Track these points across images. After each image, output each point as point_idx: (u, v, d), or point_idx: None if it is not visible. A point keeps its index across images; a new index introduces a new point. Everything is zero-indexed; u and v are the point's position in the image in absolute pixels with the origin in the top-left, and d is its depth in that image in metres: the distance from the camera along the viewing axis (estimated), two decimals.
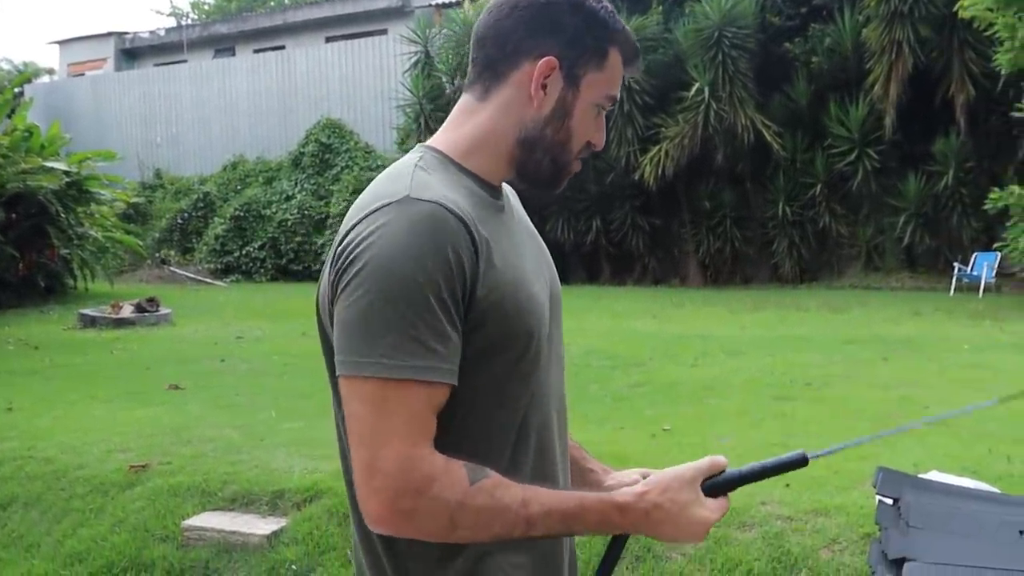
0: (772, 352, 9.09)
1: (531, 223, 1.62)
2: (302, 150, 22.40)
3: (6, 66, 38.80)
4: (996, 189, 13.81)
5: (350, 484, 1.40)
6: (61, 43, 32.04)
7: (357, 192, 17.65)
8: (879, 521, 3.53)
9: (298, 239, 21.27)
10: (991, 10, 12.97)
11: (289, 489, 4.80)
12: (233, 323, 12.83)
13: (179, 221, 22.81)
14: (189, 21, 37.69)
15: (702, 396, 7.18)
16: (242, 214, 21.84)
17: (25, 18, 73.47)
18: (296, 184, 22.07)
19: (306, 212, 21.42)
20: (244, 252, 21.55)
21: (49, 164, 15.85)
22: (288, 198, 21.92)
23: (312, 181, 21.92)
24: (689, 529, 1.41)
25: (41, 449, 5.69)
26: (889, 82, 15.80)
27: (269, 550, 4.37)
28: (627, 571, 3.84)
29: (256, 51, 26.97)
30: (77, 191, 16.36)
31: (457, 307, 1.30)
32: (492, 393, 1.38)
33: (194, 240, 22.51)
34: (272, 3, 36.40)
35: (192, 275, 20.93)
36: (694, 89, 16.65)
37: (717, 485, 1.44)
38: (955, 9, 13.79)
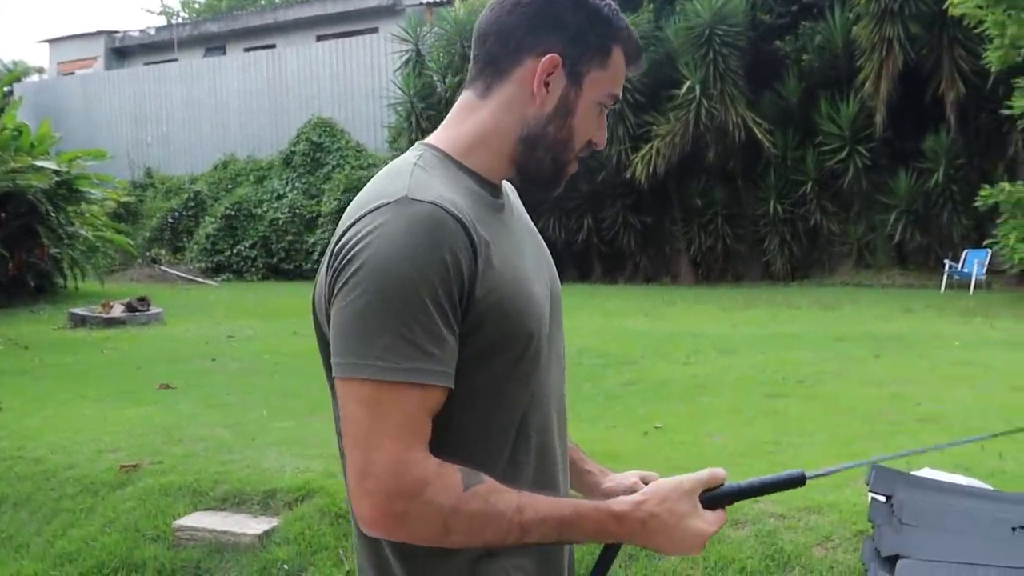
0: (764, 350, 9.10)
1: (531, 221, 1.61)
2: (293, 149, 22.35)
3: None
4: (986, 186, 13.86)
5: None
6: (51, 42, 31.95)
7: (348, 191, 17.75)
8: (872, 518, 3.54)
9: (289, 238, 21.23)
10: (981, 7, 13.01)
11: (281, 488, 4.78)
12: (224, 322, 12.80)
13: (170, 220, 22.75)
14: (179, 20, 37.61)
15: (694, 394, 7.18)
16: (233, 213, 21.80)
17: (15, 17, 73.27)
18: (287, 183, 22.02)
19: (297, 211, 21.38)
20: (235, 251, 21.51)
21: (39, 163, 15.78)
22: (279, 197, 21.88)
23: (303, 180, 21.88)
24: (685, 541, 1.39)
25: (31, 449, 5.66)
26: (879, 79, 15.83)
27: (261, 550, 4.35)
28: (620, 569, 3.83)
29: (247, 50, 26.91)
30: (67, 190, 16.30)
31: (454, 309, 1.29)
32: (491, 393, 1.37)
33: (185, 239, 22.46)
34: (263, 2, 36.34)
35: (183, 274, 20.88)
36: (685, 87, 16.67)
37: (715, 498, 1.43)
38: (945, 6, 13.82)
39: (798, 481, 1.48)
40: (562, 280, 1.61)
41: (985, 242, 14.87)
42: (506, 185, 1.53)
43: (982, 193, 13.76)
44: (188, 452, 5.49)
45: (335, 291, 1.30)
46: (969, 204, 14.99)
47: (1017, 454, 4.83)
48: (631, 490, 1.64)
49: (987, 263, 14.98)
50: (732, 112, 16.55)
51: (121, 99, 25.99)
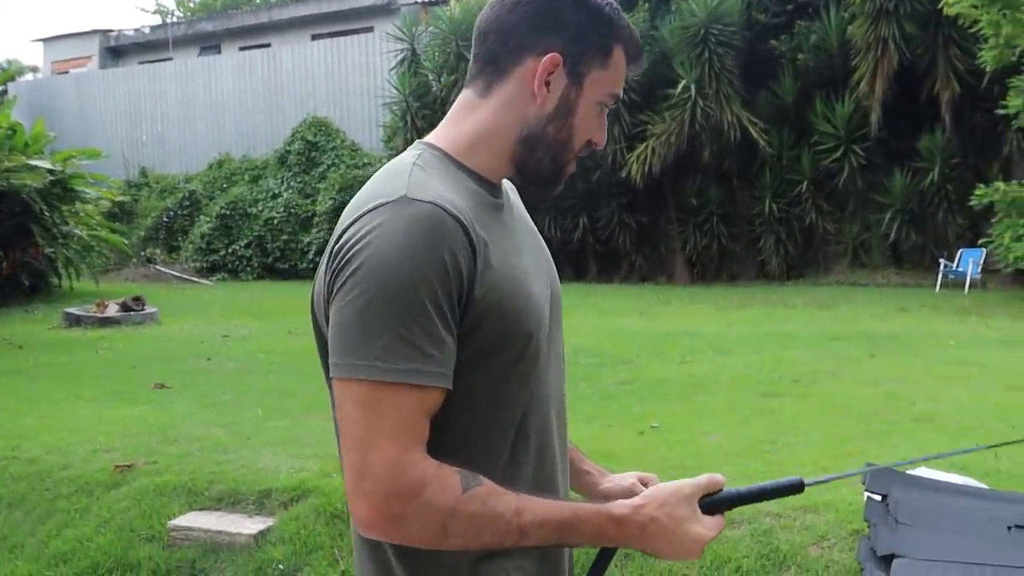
0: (759, 349, 9.10)
1: (531, 220, 1.60)
2: (288, 148, 22.33)
3: None
4: (981, 185, 13.88)
5: None
6: (45, 41, 31.88)
7: (344, 190, 17.73)
8: (868, 518, 3.54)
9: (284, 237, 21.20)
10: (976, 7, 13.02)
11: (276, 488, 4.77)
12: (219, 322, 12.78)
13: (165, 219, 22.71)
14: (174, 19, 37.58)
15: (690, 393, 7.18)
16: (228, 212, 21.76)
17: (9, 16, 73.12)
18: (282, 182, 22.00)
19: (292, 210, 21.36)
20: (230, 250, 21.48)
21: (33, 162, 15.73)
22: (274, 196, 21.85)
23: (298, 179, 21.85)
24: (684, 546, 1.38)
25: (25, 449, 5.65)
26: (875, 79, 15.84)
27: (256, 550, 4.35)
28: (616, 569, 3.83)
29: (242, 49, 26.88)
30: (62, 189, 16.25)
31: (453, 310, 1.28)
32: (490, 393, 1.36)
33: (180, 239, 22.42)
34: (258, 1, 36.26)
35: (178, 274, 20.84)
36: (680, 86, 16.67)
37: (715, 503, 1.42)
38: (940, 6, 13.84)
39: (796, 488, 1.48)
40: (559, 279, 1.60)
41: (980, 241, 14.90)
42: (506, 184, 1.53)
43: (977, 192, 13.78)
44: (183, 452, 5.48)
45: (334, 291, 1.29)
46: (964, 203, 15.02)
47: (1012, 454, 4.83)
48: (629, 491, 1.63)
49: (982, 262, 15.00)
50: (727, 111, 16.55)
51: (116, 98, 25.95)
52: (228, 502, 4.75)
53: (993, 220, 14.03)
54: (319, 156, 21.92)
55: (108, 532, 4.60)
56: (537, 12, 1.41)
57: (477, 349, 1.32)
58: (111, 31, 30.49)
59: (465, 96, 1.47)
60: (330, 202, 20.42)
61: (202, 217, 22.16)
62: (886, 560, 3.13)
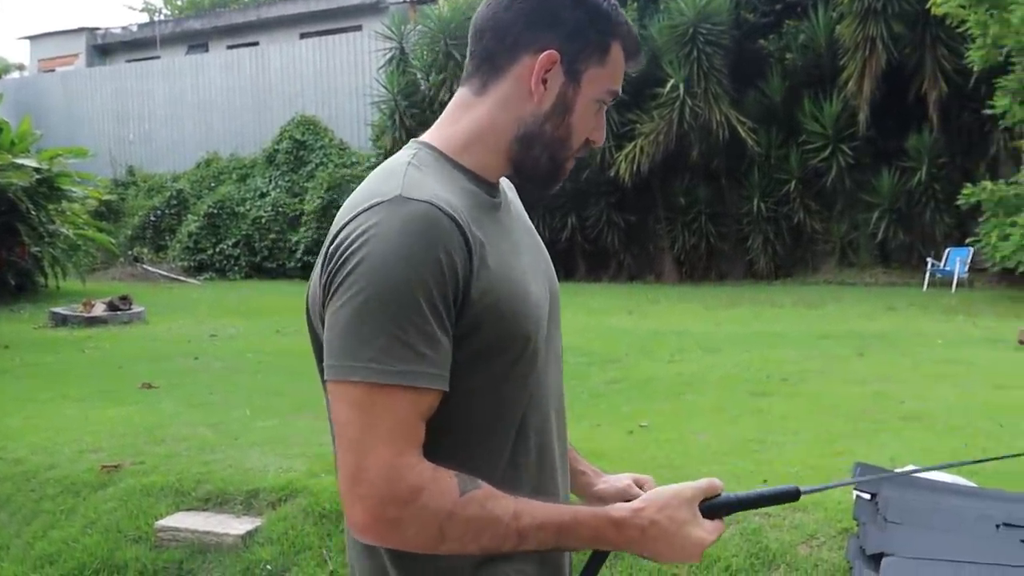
0: (748, 348, 9.11)
1: (529, 219, 1.59)
2: (276, 147, 22.26)
3: None
4: (969, 185, 13.94)
5: None
6: (31, 39, 31.73)
7: (332, 189, 17.66)
8: (857, 516, 3.54)
9: (272, 236, 21.14)
10: (963, 7, 13.08)
11: (264, 488, 4.75)
12: (207, 321, 12.74)
13: (152, 218, 22.63)
14: (162, 17, 37.42)
15: (679, 392, 7.18)
16: (216, 211, 21.69)
17: None
18: (270, 181, 21.94)
19: (280, 209, 21.30)
20: (218, 250, 21.41)
21: (19, 161, 15.66)
22: (262, 195, 21.79)
23: (286, 178, 21.80)
24: (685, 549, 1.37)
25: (11, 449, 5.62)
26: (863, 78, 15.88)
27: (243, 550, 4.33)
28: (605, 569, 3.82)
29: (230, 47, 26.80)
30: (48, 188, 16.17)
31: (448, 310, 1.27)
32: (490, 395, 1.35)
33: (167, 238, 22.34)
34: None
35: (165, 273, 20.76)
36: (669, 85, 16.68)
37: (715, 507, 1.41)
38: (928, 6, 13.89)
39: (792, 496, 1.48)
40: None
41: (967, 240, 14.95)
42: (504, 183, 1.51)
43: (964, 192, 13.84)
44: (170, 452, 5.46)
45: (330, 293, 1.28)
46: (951, 203, 15.08)
47: (1002, 451, 4.84)
48: (624, 492, 1.63)
49: (969, 261, 15.06)
50: (716, 111, 16.57)
51: (103, 96, 25.83)
52: (216, 502, 4.73)
53: (980, 219, 14.10)
54: (307, 155, 21.87)
55: (94, 533, 4.57)
56: (534, 9, 1.40)
57: (475, 351, 1.31)
58: (98, 29, 30.37)
59: (461, 94, 1.46)
60: (318, 201, 20.38)
61: (189, 216, 22.09)
62: (875, 559, 3.13)
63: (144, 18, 39.48)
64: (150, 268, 21.09)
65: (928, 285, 15.18)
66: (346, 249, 1.27)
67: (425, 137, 1.45)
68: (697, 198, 17.67)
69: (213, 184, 22.91)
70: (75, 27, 30.48)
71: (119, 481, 5.00)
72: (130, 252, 21.94)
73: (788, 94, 17.03)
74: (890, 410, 6.17)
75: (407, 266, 1.23)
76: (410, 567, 1.33)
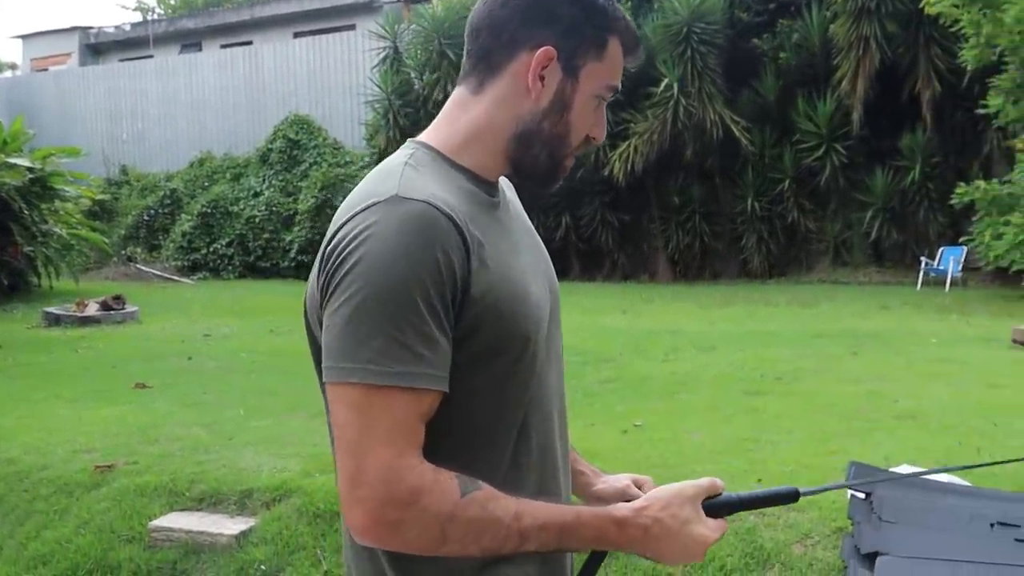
0: (742, 347, 9.11)
1: (528, 219, 1.58)
2: (270, 146, 22.24)
3: None
4: (962, 184, 13.96)
5: None
6: (24, 38, 31.67)
7: (326, 188, 17.65)
8: (852, 515, 3.54)
9: (266, 236, 21.12)
10: (957, 6, 13.09)
11: (258, 488, 4.74)
12: (200, 321, 12.72)
13: (145, 218, 22.60)
14: (155, 16, 37.36)
15: (673, 391, 7.18)
16: (209, 211, 21.67)
17: None
18: (264, 180, 21.92)
19: (274, 209, 21.28)
20: (211, 249, 21.39)
21: (12, 160, 15.62)
22: (256, 195, 21.77)
23: (280, 177, 21.77)
24: (689, 548, 1.37)
25: (4, 450, 5.59)
26: (856, 78, 15.91)
27: (238, 550, 4.32)
28: (600, 569, 3.81)
29: (223, 46, 26.77)
30: (41, 188, 16.13)
31: (447, 311, 1.25)
32: (491, 395, 1.34)
33: (161, 237, 22.31)
34: None
35: (159, 272, 20.74)
36: (663, 85, 16.69)
37: (717, 506, 1.41)
38: (921, 5, 13.89)
39: (792, 497, 1.47)
40: None
41: (961, 239, 14.98)
42: (503, 182, 1.50)
43: (958, 191, 13.86)
44: (164, 452, 5.44)
45: (327, 294, 1.27)
46: (945, 202, 15.09)
47: (995, 451, 4.85)
48: (623, 493, 1.62)
49: (963, 260, 15.09)
50: (710, 110, 16.59)
51: (96, 96, 25.78)
52: (209, 502, 4.72)
53: (974, 218, 14.13)
54: (301, 154, 21.85)
55: (88, 533, 4.55)
56: (530, 6, 1.39)
57: (475, 352, 1.30)
58: (91, 28, 30.32)
59: (458, 93, 1.45)
60: (312, 200, 20.37)
61: (183, 215, 22.06)
62: (870, 558, 3.13)
63: (137, 17, 39.48)
64: (143, 268, 21.06)
65: (922, 284, 15.21)
66: (343, 250, 1.26)
67: (422, 137, 1.44)
68: (691, 197, 17.69)
69: (207, 183, 22.88)
70: (68, 26, 30.41)
71: (112, 481, 4.98)
72: (123, 252, 21.90)
73: (782, 93, 17.05)
74: (884, 409, 6.17)
75: (404, 266, 1.22)
76: (409, 569, 1.32)
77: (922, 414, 5.94)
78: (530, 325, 1.36)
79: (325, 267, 1.28)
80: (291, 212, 21.06)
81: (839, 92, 16.29)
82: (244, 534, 4.39)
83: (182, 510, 4.68)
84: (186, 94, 24.67)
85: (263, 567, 4.22)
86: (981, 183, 13.67)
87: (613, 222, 18.19)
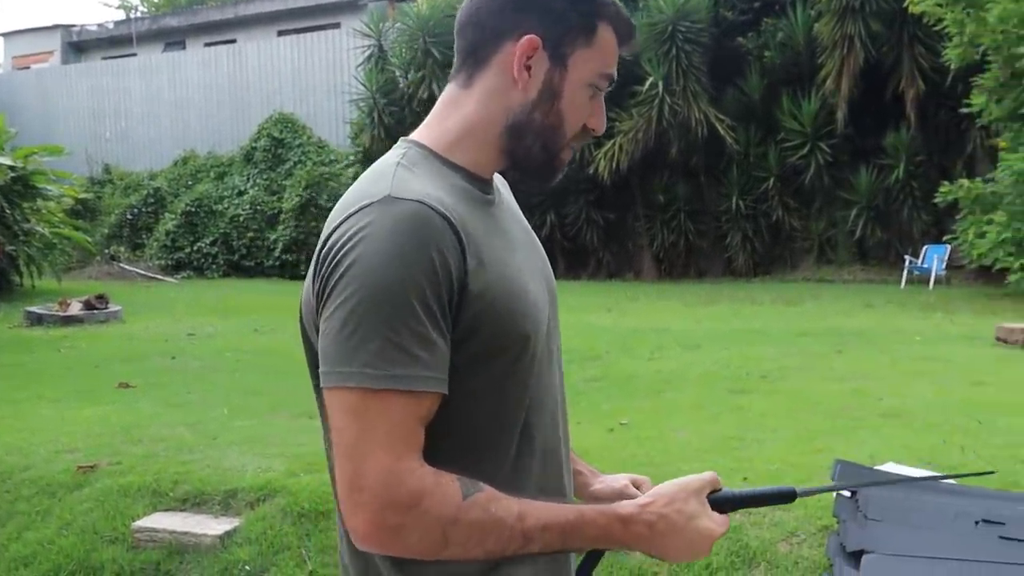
0: (727, 345, 9.12)
1: (524, 217, 1.55)
2: (254, 145, 22.19)
3: None
4: (946, 183, 14.05)
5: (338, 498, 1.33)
6: (5, 35, 31.49)
7: (310, 187, 17.59)
8: (837, 514, 3.54)
9: (250, 235, 21.07)
10: (940, 5, 13.17)
11: (242, 488, 4.71)
12: (184, 320, 12.67)
13: (129, 217, 22.50)
14: (138, 14, 37.18)
15: (659, 390, 7.18)
16: (193, 210, 21.60)
17: None
18: (248, 179, 21.86)
19: (258, 207, 21.23)
20: (195, 248, 21.32)
21: None
22: (240, 193, 21.71)
23: (264, 176, 21.72)
24: (695, 543, 1.35)
25: None
26: (841, 76, 15.97)
27: (222, 551, 4.29)
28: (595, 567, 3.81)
29: (207, 45, 26.68)
30: (23, 186, 16.03)
31: (444, 311, 1.23)
32: (491, 396, 1.32)
33: (144, 236, 22.22)
34: None
35: (142, 272, 20.65)
36: (648, 83, 16.72)
37: (721, 501, 1.39)
38: (905, 4, 13.96)
39: (789, 497, 1.45)
40: None
41: (944, 238, 15.06)
42: (498, 180, 1.48)
43: (941, 189, 13.94)
44: (147, 452, 5.41)
45: (323, 298, 1.25)
46: (929, 200, 15.17)
47: (979, 448, 4.87)
48: (620, 493, 1.60)
49: (946, 259, 15.15)
50: (695, 108, 16.62)
51: (79, 94, 25.65)
52: (193, 502, 4.69)
53: (957, 217, 14.21)
54: (285, 153, 21.80)
55: (70, 534, 4.52)
56: None
57: (474, 353, 1.28)
58: (73, 26, 30.16)
59: (448, 90, 1.43)
60: (296, 199, 20.32)
61: (167, 214, 21.98)
62: (856, 556, 3.13)
63: (120, 15, 39.26)
64: (127, 267, 20.97)
65: (906, 282, 15.27)
66: (337, 253, 1.24)
67: (415, 135, 1.42)
68: (676, 196, 17.72)
69: (190, 182, 22.81)
70: (50, 24, 30.24)
71: (95, 482, 4.95)
72: (107, 251, 21.80)
73: (767, 92, 17.10)
74: (869, 407, 6.18)
75: (399, 267, 1.20)
76: (408, 570, 1.30)
77: (907, 412, 5.95)
78: (528, 324, 1.34)
79: (320, 271, 1.26)
80: (275, 211, 21.01)
81: (824, 91, 16.35)
82: (228, 534, 4.37)
83: (166, 510, 4.65)
84: (170, 92, 24.58)
85: (247, 567, 4.20)
86: (965, 182, 13.75)
87: (598, 220, 18.21)
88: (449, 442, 1.28)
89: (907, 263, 15.41)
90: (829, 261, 17.22)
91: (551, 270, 1.54)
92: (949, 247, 14.97)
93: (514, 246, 1.41)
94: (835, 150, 16.44)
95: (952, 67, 13.86)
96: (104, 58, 27.96)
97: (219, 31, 27.53)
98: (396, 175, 1.30)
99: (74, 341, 10.80)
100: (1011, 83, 12.99)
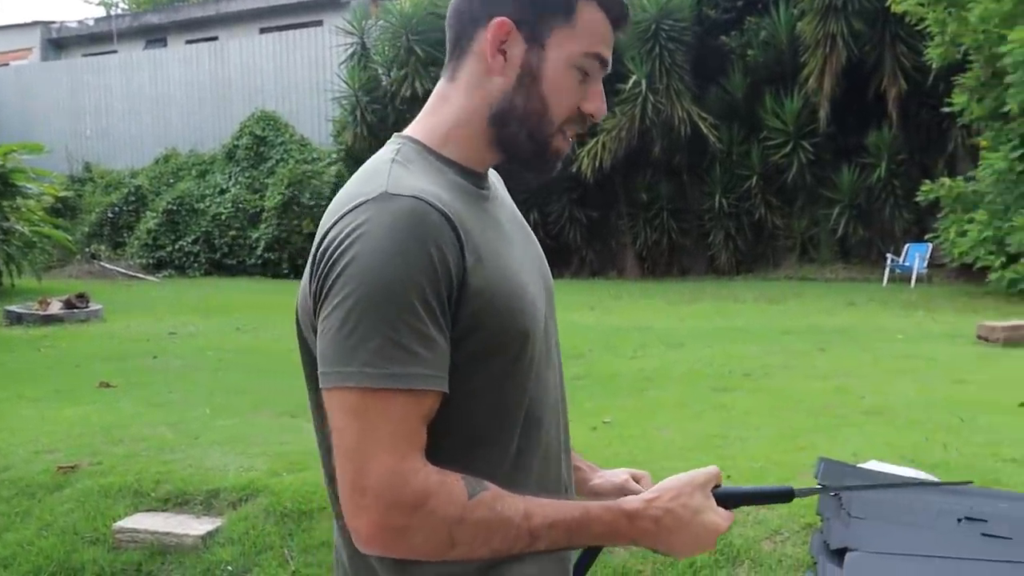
0: (711, 343, 9.14)
1: (519, 211, 1.53)
2: (236, 143, 22.10)
3: None
4: (927, 181, 14.13)
5: (336, 501, 1.30)
6: None
7: (292, 185, 17.50)
8: (821, 511, 3.55)
9: (232, 233, 20.99)
10: (922, 5, 13.24)
11: (224, 488, 4.69)
12: (166, 319, 12.60)
13: (110, 215, 22.38)
14: (119, 11, 36.97)
15: (642, 388, 7.18)
16: (175, 208, 21.50)
17: None
18: (230, 177, 21.78)
19: (240, 206, 21.15)
20: (177, 246, 21.23)
21: None
22: (222, 191, 21.63)
23: (246, 174, 21.64)
24: (700, 537, 1.33)
25: None
26: (823, 75, 16.03)
27: (204, 551, 4.26)
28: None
29: (188, 42, 26.54)
30: (2, 185, 15.93)
31: (443, 308, 1.21)
32: (490, 394, 1.30)
33: (125, 235, 22.10)
34: None
35: (123, 270, 20.54)
36: (631, 81, 16.73)
37: (724, 496, 1.38)
38: (887, 4, 14.04)
39: (787, 496, 1.44)
40: None
41: (926, 236, 15.14)
42: (492, 175, 1.46)
43: (923, 188, 14.02)
44: (129, 452, 5.37)
45: (320, 298, 1.23)
46: (910, 199, 15.25)
47: (961, 446, 4.89)
48: (621, 488, 1.59)
49: (928, 257, 15.23)
50: (678, 107, 16.66)
51: (59, 92, 25.48)
52: (175, 503, 4.66)
53: (939, 215, 14.28)
54: (267, 151, 21.72)
55: (51, 535, 4.48)
56: None
57: (473, 351, 1.26)
58: (53, 23, 29.94)
59: (439, 85, 1.41)
60: (279, 197, 20.24)
61: (148, 213, 21.87)
62: (839, 553, 3.13)
63: (100, 12, 39.04)
64: (108, 265, 20.85)
65: (888, 280, 15.34)
66: (334, 252, 1.21)
67: (408, 131, 1.40)
68: (659, 194, 17.75)
69: (172, 180, 22.71)
70: (29, 21, 30.03)
71: (76, 482, 4.91)
72: (87, 249, 21.67)
73: (749, 90, 17.15)
74: (851, 405, 6.20)
75: (398, 264, 1.18)
76: (409, 570, 1.28)
77: (889, 410, 5.97)
78: (527, 321, 1.32)
79: (316, 271, 1.24)
80: (257, 209, 20.93)
81: (806, 89, 16.41)
82: (210, 534, 4.34)
83: (147, 511, 4.62)
84: (151, 89, 24.46)
85: (230, 568, 4.17)
86: (946, 180, 13.83)
87: (581, 219, 18.22)
88: (450, 441, 1.26)
89: (889, 261, 15.48)
90: (811, 259, 17.29)
91: (548, 267, 1.53)
92: (930, 246, 15.05)
93: (511, 242, 1.39)
94: (817, 149, 16.50)
95: (934, 66, 13.93)
96: (84, 55, 27.78)
97: (201, 28, 27.39)
98: (392, 171, 1.28)
99: (54, 340, 10.72)
100: (992, 82, 13.07)
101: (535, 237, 1.53)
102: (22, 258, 16.73)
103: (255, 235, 20.61)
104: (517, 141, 1.36)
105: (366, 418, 1.18)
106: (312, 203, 19.77)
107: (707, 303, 13.16)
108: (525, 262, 1.40)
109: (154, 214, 21.55)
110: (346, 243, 1.20)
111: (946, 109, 14.05)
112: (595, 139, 16.89)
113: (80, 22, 29.94)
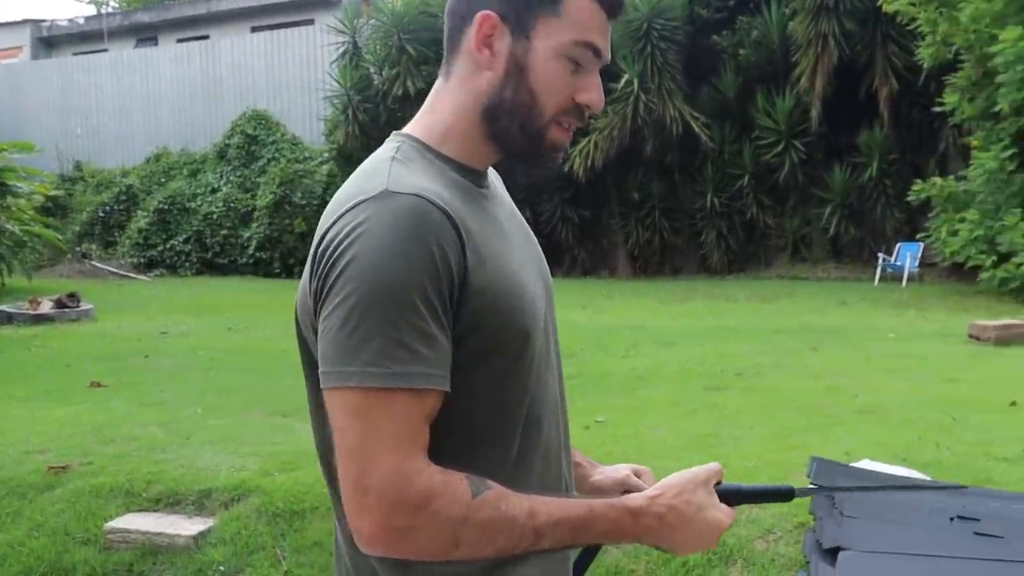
0: (703, 342, 9.15)
1: (518, 210, 1.53)
2: (227, 142, 22.05)
3: None
4: (919, 181, 14.16)
5: (337, 501, 1.30)
6: None
7: (284, 184, 17.46)
8: (814, 511, 3.54)
9: (224, 232, 20.94)
10: (913, 4, 13.27)
11: (216, 488, 4.67)
12: (157, 318, 12.57)
13: (100, 214, 22.31)
14: (109, 9, 36.87)
15: (634, 387, 7.18)
16: (166, 207, 21.45)
17: None
18: (221, 176, 21.73)
19: (232, 205, 21.10)
20: (168, 246, 21.18)
21: None
22: (213, 191, 21.58)
23: (238, 173, 21.60)
24: (703, 534, 1.33)
25: None
26: (815, 75, 16.05)
27: (196, 551, 4.25)
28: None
29: (179, 41, 26.47)
30: None
31: (445, 306, 1.21)
32: (491, 393, 1.29)
33: (116, 234, 22.04)
34: None
35: (114, 270, 20.49)
36: (623, 81, 16.73)
37: (726, 493, 1.38)
38: (879, 3, 14.06)
39: (787, 495, 1.44)
40: None
41: (917, 235, 15.17)
42: (492, 173, 1.46)
43: (914, 187, 14.05)
44: (120, 452, 5.35)
45: (321, 298, 1.22)
46: (902, 198, 15.28)
47: (953, 445, 4.90)
48: (622, 484, 1.59)
49: (919, 256, 15.26)
50: (670, 106, 16.67)
51: (49, 90, 25.39)
52: (167, 503, 4.65)
53: (930, 215, 14.31)
54: (259, 150, 21.68)
55: (42, 536, 4.47)
56: None
57: (474, 350, 1.25)
58: (43, 21, 29.85)
59: (436, 84, 1.41)
60: (270, 196, 20.21)
61: (139, 212, 21.82)
62: (832, 553, 3.13)
63: (91, 11, 38.91)
64: (99, 265, 20.79)
65: (879, 280, 15.37)
66: (334, 251, 1.21)
67: (408, 129, 1.40)
68: (651, 193, 17.76)
69: (163, 179, 22.66)
70: (19, 19, 29.94)
71: (67, 482, 4.89)
72: (78, 249, 21.61)
73: (741, 90, 17.16)
74: (844, 404, 6.21)
75: (399, 263, 1.17)
76: (413, 569, 1.27)
77: (881, 409, 5.98)
78: (527, 320, 1.32)
79: (317, 271, 1.23)
80: (249, 208, 20.90)
81: (798, 89, 16.43)
82: (202, 535, 4.33)
83: (139, 511, 4.60)
84: (142, 88, 24.39)
85: (222, 568, 4.16)
86: (937, 180, 13.86)
87: (573, 218, 18.22)
88: (451, 440, 1.25)
89: (880, 261, 15.51)
90: (803, 259, 17.31)
91: (547, 265, 1.52)
92: (922, 245, 15.08)
93: (510, 241, 1.39)
94: (809, 148, 16.53)
95: (925, 66, 13.97)
96: (75, 54, 27.69)
97: (192, 27, 27.32)
98: (392, 169, 1.27)
99: (45, 340, 10.68)
100: (983, 82, 13.11)
101: (534, 237, 1.53)
102: (12, 257, 16.67)
103: (246, 234, 20.58)
104: (510, 134, 1.35)
105: (368, 418, 1.18)
106: (304, 202, 19.75)
107: (699, 302, 13.18)
108: (525, 261, 1.40)
109: (145, 213, 21.50)
110: (347, 242, 1.20)
111: (937, 109, 14.08)
112: (587, 138, 16.89)
113: (71, 20, 29.85)
